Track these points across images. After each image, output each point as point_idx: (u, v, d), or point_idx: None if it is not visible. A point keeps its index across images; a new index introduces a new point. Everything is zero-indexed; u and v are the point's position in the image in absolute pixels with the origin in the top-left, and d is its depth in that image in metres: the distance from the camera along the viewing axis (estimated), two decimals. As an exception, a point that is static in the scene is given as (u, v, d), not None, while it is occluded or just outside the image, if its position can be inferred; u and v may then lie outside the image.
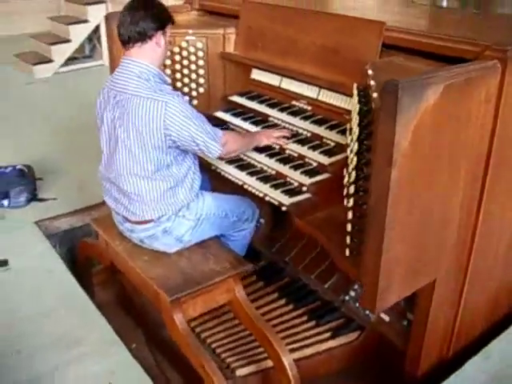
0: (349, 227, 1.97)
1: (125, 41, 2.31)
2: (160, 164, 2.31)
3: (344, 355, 2.64)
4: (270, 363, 2.43)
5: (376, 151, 1.66)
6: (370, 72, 2.02)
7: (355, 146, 1.88)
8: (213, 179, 2.81)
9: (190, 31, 2.96)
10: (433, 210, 1.85)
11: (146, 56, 2.31)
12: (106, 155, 2.45)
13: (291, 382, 2.28)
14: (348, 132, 2.16)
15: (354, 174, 1.89)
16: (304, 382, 2.42)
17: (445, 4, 3.18)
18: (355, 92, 2.05)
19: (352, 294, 2.75)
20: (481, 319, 2.52)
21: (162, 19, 2.34)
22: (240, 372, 2.47)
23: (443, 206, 1.89)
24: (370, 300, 1.87)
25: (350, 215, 1.95)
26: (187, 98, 3.04)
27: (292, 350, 2.52)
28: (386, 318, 2.56)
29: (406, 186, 1.68)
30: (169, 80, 2.52)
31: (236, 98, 3.00)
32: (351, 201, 1.93)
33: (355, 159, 1.88)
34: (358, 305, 2.69)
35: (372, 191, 1.73)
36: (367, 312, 2.64)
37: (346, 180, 2.03)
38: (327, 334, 2.66)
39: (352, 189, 1.91)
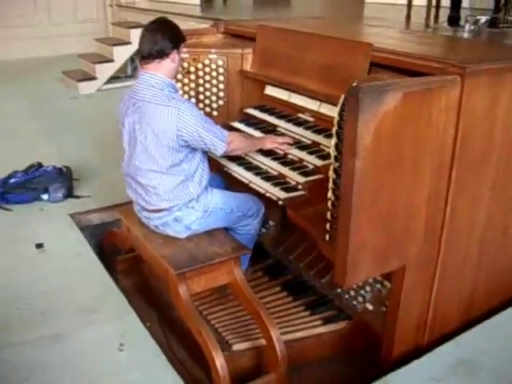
0: (328, 215, 2.30)
1: (145, 57, 2.68)
2: (173, 161, 2.68)
3: (332, 341, 2.90)
4: (264, 342, 2.73)
5: (344, 145, 2.00)
6: (355, 86, 2.36)
7: (334, 146, 2.22)
8: (225, 179, 3.17)
9: (213, 50, 3.35)
10: (397, 201, 2.15)
11: (162, 70, 2.67)
12: (127, 154, 2.83)
13: (278, 355, 2.58)
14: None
15: (332, 168, 2.23)
16: (295, 365, 2.74)
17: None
18: (340, 101, 2.38)
19: (344, 287, 3.05)
20: (455, 313, 2.74)
21: (177, 39, 2.70)
22: (236, 347, 2.79)
23: (408, 198, 2.19)
24: (340, 276, 2.18)
25: (329, 205, 2.29)
26: (206, 110, 3.40)
27: (285, 333, 2.82)
28: (371, 307, 2.84)
29: (369, 176, 2.00)
30: (180, 90, 2.90)
31: (250, 111, 3.37)
32: (330, 192, 2.27)
33: (333, 156, 2.21)
34: (346, 296, 3.00)
35: (341, 180, 2.06)
36: (354, 303, 2.94)
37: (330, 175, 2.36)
38: (319, 322, 2.96)
39: (331, 181, 2.24)
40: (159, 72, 2.67)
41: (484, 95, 2.29)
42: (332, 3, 9.90)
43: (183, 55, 2.96)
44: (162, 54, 2.65)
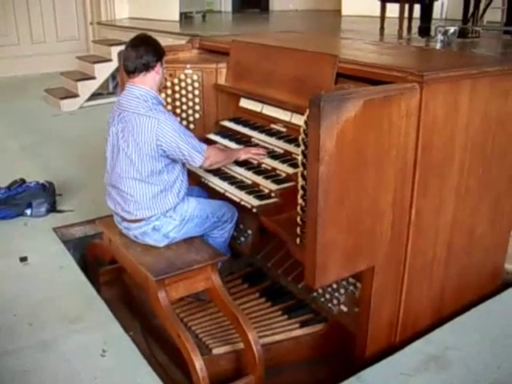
0: (298, 219, 2.41)
1: (130, 71, 2.82)
2: (153, 170, 2.79)
3: (309, 343, 2.99)
4: (242, 345, 2.82)
5: (308, 151, 2.11)
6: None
7: (301, 153, 2.33)
8: (204, 190, 3.27)
9: (188, 66, 3.46)
10: (363, 204, 2.27)
11: (147, 82, 2.81)
12: (109, 162, 2.94)
13: (256, 357, 2.67)
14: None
15: (300, 174, 2.34)
16: (274, 368, 2.84)
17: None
18: (307, 111, 2.49)
19: (320, 291, 3.14)
20: (426, 311, 2.85)
21: (160, 52, 2.85)
22: (216, 351, 2.87)
23: (373, 201, 2.30)
24: (310, 277, 2.28)
25: (299, 209, 2.39)
26: (183, 124, 3.50)
27: (263, 336, 2.91)
28: (345, 309, 2.94)
29: (333, 180, 2.12)
30: (163, 101, 3.01)
31: (225, 123, 3.48)
32: (299, 197, 2.37)
33: (301, 162, 2.33)
34: (322, 300, 3.10)
35: (307, 184, 2.17)
36: (330, 305, 3.04)
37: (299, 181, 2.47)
38: (296, 325, 3.05)
39: (300, 187, 2.35)
40: (144, 84, 2.80)
41: (443, 101, 2.41)
42: (310, 17, 10.08)
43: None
44: (147, 67, 2.79)
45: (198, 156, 2.81)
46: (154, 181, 2.81)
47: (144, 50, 2.78)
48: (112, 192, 2.95)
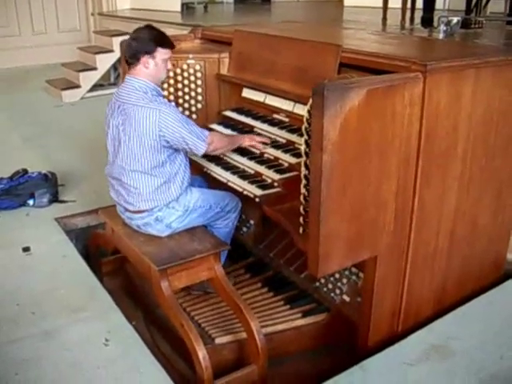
0: (301, 209, 2.41)
1: (126, 62, 2.85)
2: (155, 161, 2.78)
3: (312, 333, 3.00)
4: (245, 335, 2.83)
5: (312, 140, 2.11)
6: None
7: (304, 143, 2.33)
8: (206, 180, 3.27)
9: (191, 56, 3.45)
10: (366, 192, 2.27)
11: (141, 74, 2.80)
12: (111, 155, 2.94)
13: (258, 347, 2.68)
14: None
15: (303, 163, 2.34)
16: (276, 357, 2.84)
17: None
18: (310, 100, 2.49)
19: (322, 281, 3.15)
20: (428, 301, 2.86)
21: (149, 45, 2.77)
22: (219, 340, 2.88)
23: (376, 190, 2.30)
24: (313, 266, 2.29)
25: (302, 199, 2.40)
26: (186, 114, 3.49)
27: (265, 326, 2.92)
28: (347, 299, 2.95)
29: (336, 169, 2.12)
30: (162, 93, 2.98)
31: (228, 113, 3.47)
32: (302, 186, 2.37)
33: (304, 151, 2.32)
34: (324, 289, 3.10)
35: (311, 173, 2.17)
36: (332, 295, 3.05)
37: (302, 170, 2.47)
38: (298, 315, 3.06)
39: (302, 176, 2.35)
40: (139, 76, 2.80)
41: (447, 91, 2.41)
42: (312, 8, 10.04)
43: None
44: (133, 59, 2.80)
45: (202, 144, 2.81)
46: (157, 173, 2.81)
47: (134, 41, 2.79)
48: (114, 184, 2.95)
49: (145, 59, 2.77)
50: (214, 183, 3.18)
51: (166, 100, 2.86)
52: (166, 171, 2.83)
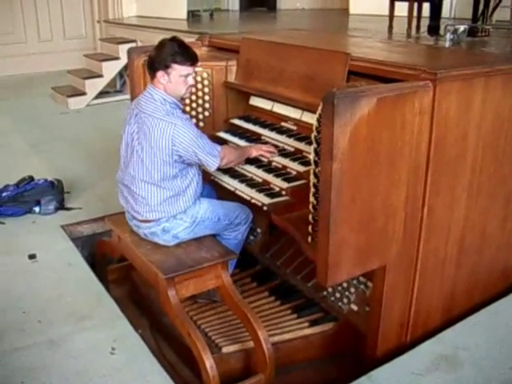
0: (310, 218, 2.40)
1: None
2: (166, 174, 2.77)
3: (319, 342, 2.97)
4: (252, 344, 2.80)
5: (322, 149, 2.10)
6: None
7: (314, 151, 2.32)
8: (214, 188, 3.26)
9: (198, 63, 3.44)
10: (375, 202, 2.26)
11: (159, 86, 2.78)
12: (123, 160, 2.92)
13: (266, 356, 2.66)
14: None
15: (312, 172, 2.33)
16: (283, 367, 2.82)
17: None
18: (319, 108, 2.48)
19: (330, 290, 3.13)
20: (437, 311, 2.84)
21: (164, 60, 2.73)
22: (226, 349, 2.86)
23: (386, 199, 2.29)
24: (322, 275, 2.27)
25: (311, 207, 2.38)
26: (194, 120, 3.49)
27: (272, 335, 2.89)
28: (355, 308, 2.93)
29: (346, 178, 2.10)
30: (181, 106, 2.93)
31: (235, 121, 3.47)
32: (311, 195, 2.36)
33: (313, 160, 2.31)
34: (332, 299, 3.08)
35: (320, 182, 2.16)
36: (340, 304, 3.03)
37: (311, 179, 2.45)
38: (306, 324, 3.03)
39: (312, 185, 2.34)
40: (157, 87, 2.77)
41: (456, 99, 2.40)
42: (317, 16, 10.06)
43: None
44: (150, 71, 2.79)
45: (214, 160, 2.79)
46: (167, 185, 2.79)
47: (154, 53, 2.78)
48: (124, 190, 2.94)
49: (160, 74, 2.75)
50: (222, 191, 3.16)
51: (183, 114, 2.82)
52: (176, 185, 2.82)
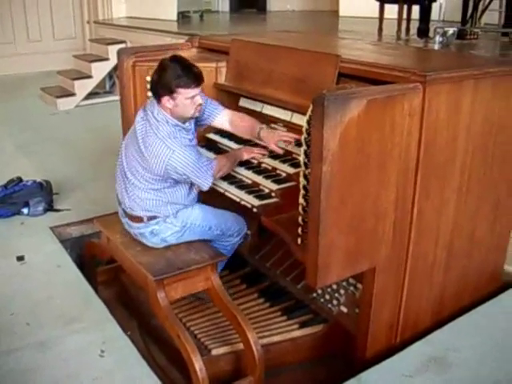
0: (300, 220, 2.39)
1: None
2: (158, 185, 2.76)
3: (309, 344, 2.97)
4: (242, 346, 2.79)
5: (311, 151, 2.10)
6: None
7: (303, 153, 2.32)
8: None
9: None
10: (365, 204, 2.26)
11: (163, 109, 2.71)
12: (122, 152, 2.89)
13: (255, 358, 2.66)
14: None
15: (302, 174, 2.32)
16: (273, 369, 2.82)
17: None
18: (309, 110, 2.48)
19: (319, 291, 3.13)
20: (426, 313, 2.84)
21: (169, 85, 2.63)
22: (215, 351, 2.85)
23: (375, 201, 2.29)
24: (311, 276, 2.27)
25: (300, 209, 2.38)
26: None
27: (262, 337, 2.89)
28: (345, 310, 2.93)
29: (336, 180, 2.10)
30: (188, 126, 2.83)
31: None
32: (301, 197, 2.36)
33: (303, 162, 2.31)
34: (321, 300, 3.08)
35: (310, 184, 2.16)
36: (329, 306, 3.03)
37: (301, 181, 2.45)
38: (295, 326, 3.03)
39: (301, 187, 2.34)
40: (163, 109, 2.71)
41: (446, 101, 2.41)
42: (307, 18, 10.07)
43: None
44: (155, 95, 2.71)
45: (207, 182, 2.76)
46: (157, 192, 2.79)
47: (156, 77, 2.68)
48: (121, 181, 2.91)
49: (165, 99, 2.67)
50: (211, 193, 3.15)
51: (186, 138, 2.76)
52: (167, 193, 2.81)
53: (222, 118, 3.10)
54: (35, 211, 4.00)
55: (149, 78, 3.24)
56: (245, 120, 3.11)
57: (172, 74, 2.63)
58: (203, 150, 3.25)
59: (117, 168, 2.95)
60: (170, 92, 2.64)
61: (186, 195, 2.88)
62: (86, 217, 3.94)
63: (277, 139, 2.94)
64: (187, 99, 2.68)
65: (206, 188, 2.80)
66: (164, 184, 2.77)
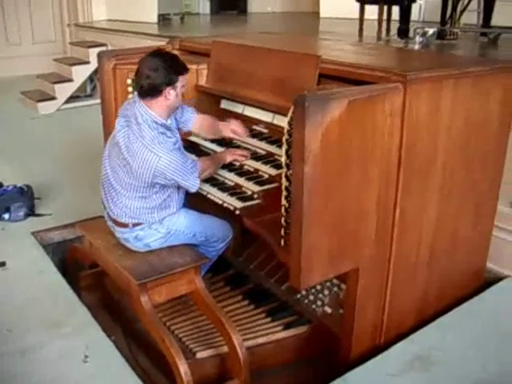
0: (282, 221, 2.39)
1: (138, 91, 2.70)
2: (143, 192, 2.74)
3: (294, 345, 2.97)
4: (227, 348, 2.79)
5: (293, 152, 2.10)
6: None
7: (285, 154, 2.31)
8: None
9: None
10: (347, 204, 2.25)
11: (155, 107, 2.68)
12: (105, 157, 2.87)
13: (241, 360, 2.65)
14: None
15: (284, 175, 2.32)
16: (258, 371, 2.81)
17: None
18: (290, 111, 2.48)
19: (303, 292, 3.13)
20: (410, 312, 2.84)
21: (171, 75, 2.65)
22: (200, 354, 2.84)
23: (358, 202, 2.29)
24: (295, 278, 2.26)
25: (283, 211, 2.38)
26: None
27: (247, 339, 2.88)
28: (329, 310, 2.94)
29: (318, 181, 2.10)
30: (173, 127, 2.85)
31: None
32: (283, 198, 2.36)
33: (285, 163, 2.31)
34: (305, 301, 3.08)
35: (292, 185, 2.16)
36: (314, 307, 3.03)
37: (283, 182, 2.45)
38: (280, 328, 3.02)
39: (283, 188, 2.34)
40: (152, 109, 2.68)
41: (426, 101, 2.42)
42: (288, 19, 10.08)
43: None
44: (153, 92, 2.66)
45: (195, 183, 2.75)
46: (142, 199, 2.77)
47: (153, 72, 2.62)
48: (107, 190, 2.88)
49: (167, 91, 2.66)
50: (193, 196, 3.14)
51: (170, 141, 2.71)
52: (152, 200, 2.78)
53: (197, 122, 3.15)
54: (16, 216, 3.96)
55: (130, 81, 3.26)
56: (207, 119, 3.18)
57: (171, 64, 2.67)
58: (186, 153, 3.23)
59: (102, 178, 2.92)
60: (172, 82, 2.66)
61: (173, 199, 2.87)
62: (68, 221, 3.90)
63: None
64: (183, 86, 2.74)
65: (193, 190, 2.78)
66: (152, 190, 2.74)
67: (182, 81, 2.72)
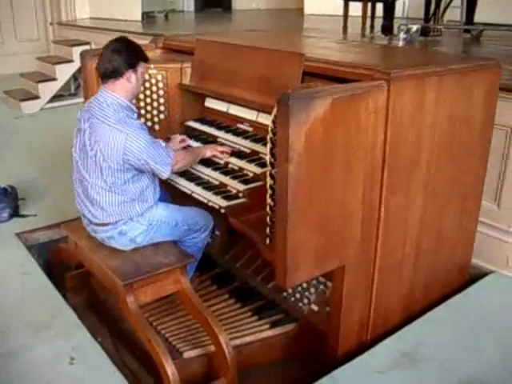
0: (268, 219, 2.38)
1: (101, 75, 2.75)
2: (119, 180, 2.72)
3: (280, 344, 2.97)
4: (213, 348, 2.79)
5: (277, 151, 2.09)
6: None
7: (269, 152, 2.31)
8: (172, 193, 3.22)
9: (152, 65, 3.38)
10: (332, 203, 2.26)
11: (118, 90, 2.72)
12: (77, 161, 2.85)
13: (227, 359, 2.65)
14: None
15: (269, 174, 2.32)
16: (246, 370, 2.81)
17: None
18: (274, 109, 2.47)
19: (290, 291, 3.13)
20: (396, 309, 2.86)
21: (133, 59, 2.73)
22: (187, 354, 2.83)
23: (343, 200, 2.29)
24: (281, 277, 2.26)
25: (268, 209, 2.37)
26: (148, 125, 3.40)
27: (234, 338, 2.88)
28: (316, 308, 2.94)
29: (303, 179, 2.10)
30: (136, 110, 2.88)
31: (191, 123, 3.44)
32: (268, 197, 2.35)
33: (269, 162, 2.30)
34: (292, 299, 3.08)
35: (277, 184, 2.15)
36: (300, 305, 3.03)
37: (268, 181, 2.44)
38: (266, 326, 3.02)
39: (268, 186, 2.33)
40: (116, 92, 2.72)
41: (410, 98, 2.42)
42: (273, 16, 10.07)
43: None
44: (116, 74, 2.70)
45: (166, 169, 2.75)
46: (120, 191, 2.75)
47: (116, 55, 2.69)
48: (80, 192, 2.88)
49: (128, 74, 2.72)
50: (178, 195, 3.13)
51: (136, 121, 2.75)
52: (130, 190, 2.77)
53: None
54: (0, 218, 3.92)
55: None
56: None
57: (134, 49, 2.78)
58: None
59: (74, 183, 2.92)
60: (134, 65, 2.75)
61: (150, 192, 2.86)
62: (53, 222, 3.88)
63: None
64: (143, 74, 2.85)
65: (165, 176, 2.79)
66: (127, 175, 2.72)
67: (142, 67, 2.81)
